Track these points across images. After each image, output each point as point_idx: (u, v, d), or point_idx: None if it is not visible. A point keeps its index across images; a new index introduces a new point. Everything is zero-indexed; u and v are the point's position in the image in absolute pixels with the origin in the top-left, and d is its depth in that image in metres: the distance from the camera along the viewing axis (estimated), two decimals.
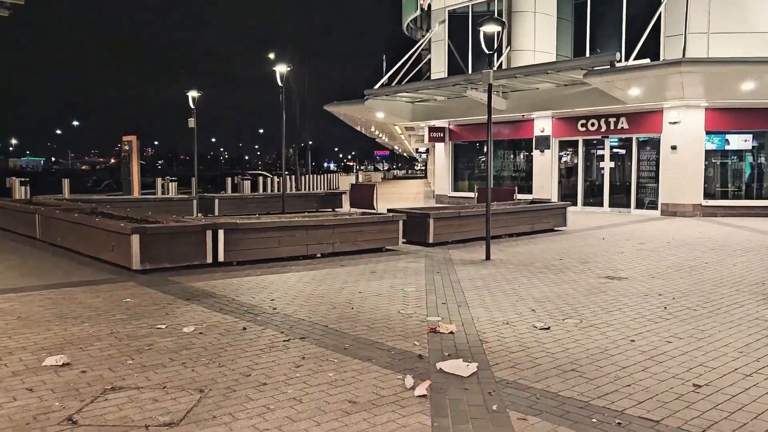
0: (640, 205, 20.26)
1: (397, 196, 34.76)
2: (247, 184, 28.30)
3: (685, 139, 18.73)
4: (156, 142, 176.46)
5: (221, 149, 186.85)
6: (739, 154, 19.26)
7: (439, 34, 25.88)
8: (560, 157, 22.60)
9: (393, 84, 23.90)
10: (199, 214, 19.34)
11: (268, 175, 36.34)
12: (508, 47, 21.31)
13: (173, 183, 25.54)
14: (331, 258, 10.87)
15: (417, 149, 53.37)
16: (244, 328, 5.95)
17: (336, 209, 22.30)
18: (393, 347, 5.37)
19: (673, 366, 4.90)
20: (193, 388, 4.29)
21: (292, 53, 32.87)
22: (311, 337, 5.68)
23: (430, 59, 27.25)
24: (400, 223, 12.00)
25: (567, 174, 22.66)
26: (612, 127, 20.44)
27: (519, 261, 10.72)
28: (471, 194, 24.47)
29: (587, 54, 21.06)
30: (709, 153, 19.01)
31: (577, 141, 21.79)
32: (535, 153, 22.80)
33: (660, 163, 19.52)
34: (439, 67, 25.89)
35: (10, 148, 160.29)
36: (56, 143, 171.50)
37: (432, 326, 6.04)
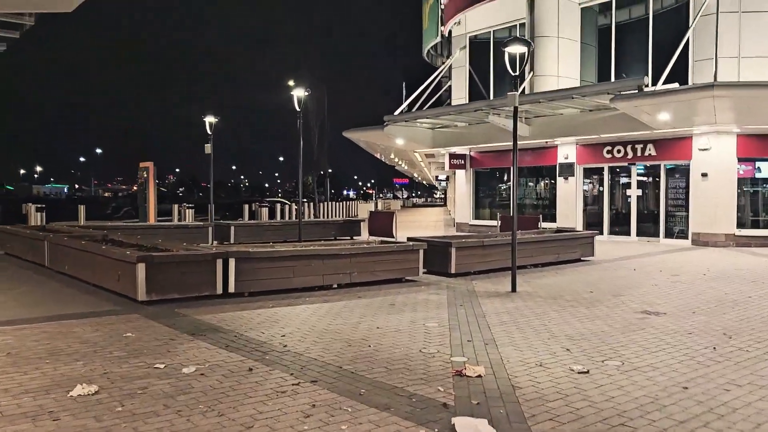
0: (669, 234, 19.49)
1: (417, 223, 34.22)
2: (265, 211, 27.94)
3: (716, 166, 18.03)
4: (177, 170, 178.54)
5: (242, 176, 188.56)
6: None
7: (459, 60, 25.58)
8: (585, 185, 21.96)
9: (413, 110, 23.56)
10: (215, 242, 18.96)
11: (286, 202, 36.06)
12: (531, 72, 20.87)
13: (190, 210, 25.28)
14: (348, 289, 10.32)
15: (437, 177, 52.93)
16: (250, 369, 5.40)
17: (354, 237, 21.80)
18: (414, 393, 4.79)
19: (738, 421, 4.26)
20: None
21: (312, 79, 32.75)
22: (323, 380, 5.12)
23: (450, 86, 26.94)
24: (421, 252, 11.44)
25: (592, 202, 21.99)
26: (639, 153, 19.79)
27: (547, 293, 10.09)
28: (493, 222, 23.85)
29: (612, 79, 20.54)
30: (741, 181, 18.26)
31: (603, 168, 21.15)
32: (559, 180, 22.19)
33: (690, 191, 18.80)
34: (459, 93, 25.53)
35: (35, 175, 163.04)
36: (80, 170, 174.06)
37: (457, 368, 5.44)
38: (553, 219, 22.07)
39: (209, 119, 19.45)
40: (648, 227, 20.17)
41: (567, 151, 21.73)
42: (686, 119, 16.64)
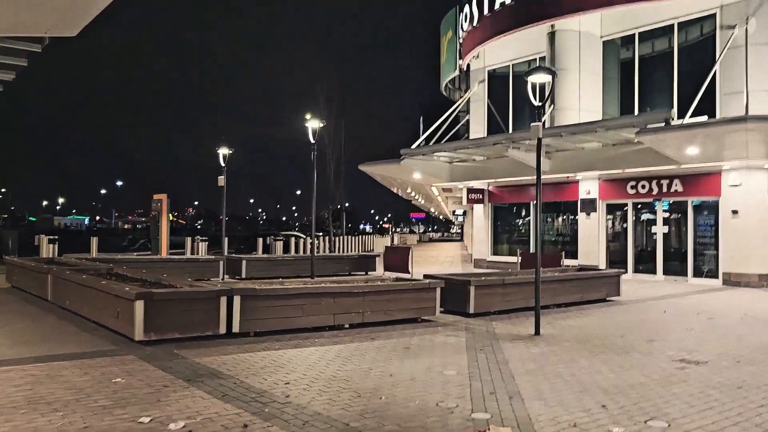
0: (697, 273, 18.65)
1: (433, 259, 33.54)
2: (280, 244, 27.49)
3: (747, 203, 17.28)
4: (196, 202, 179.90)
5: (259, 210, 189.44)
6: None
7: (478, 94, 25.24)
8: (608, 221, 21.25)
9: (430, 144, 23.15)
10: (226, 276, 18.47)
11: (302, 236, 35.62)
12: (552, 106, 20.40)
13: (203, 243, 24.91)
14: (361, 329, 9.71)
15: (454, 211, 52.35)
16: (245, 425, 4.80)
17: (369, 272, 21.20)
18: None
19: None
20: None
21: (329, 111, 32.60)
22: None
23: (467, 120, 26.57)
24: (438, 290, 10.83)
25: (615, 239, 21.24)
26: (665, 189, 19.10)
27: (574, 337, 9.39)
28: (512, 259, 23.14)
29: (635, 113, 19.98)
30: None
31: (626, 204, 20.46)
32: (581, 216, 21.51)
33: (719, 228, 18.02)
34: (477, 127, 25.12)
35: (57, 207, 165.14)
36: (101, 202, 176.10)
37: (480, 429, 4.80)
38: (574, 256, 21.32)
39: (223, 151, 19.15)
40: (675, 266, 19.35)
41: (589, 187, 21.10)
42: (716, 154, 16.00)
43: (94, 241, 22.01)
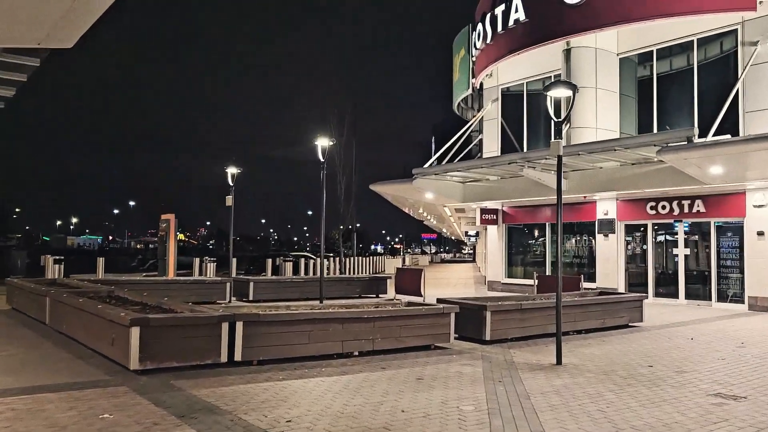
0: (721, 297, 17.92)
1: (446, 281, 32.91)
2: (289, 266, 27.00)
3: None
4: (208, 222, 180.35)
5: (271, 230, 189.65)
6: None
7: (491, 113, 24.81)
8: (627, 243, 20.60)
9: (443, 163, 22.69)
10: (233, 299, 18.01)
11: (312, 257, 35.15)
12: (567, 124, 19.90)
13: (212, 264, 24.47)
14: (371, 357, 9.17)
15: (466, 232, 51.72)
16: None
17: (380, 295, 20.67)
18: None
19: None
20: None
21: (340, 130, 32.35)
22: None
23: (480, 140, 26.11)
24: (452, 315, 10.28)
25: (634, 261, 20.57)
26: (686, 210, 18.47)
27: (598, 367, 8.79)
28: (527, 281, 22.52)
29: (654, 131, 19.42)
30: None
31: (646, 225, 19.82)
32: (599, 237, 20.89)
33: (744, 250, 17.33)
34: (491, 147, 24.65)
35: (71, 227, 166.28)
36: (114, 222, 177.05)
37: None
38: (592, 278, 20.66)
39: (231, 170, 18.79)
40: (697, 289, 18.65)
41: (607, 207, 20.50)
42: (741, 173, 15.39)
43: (101, 261, 21.61)
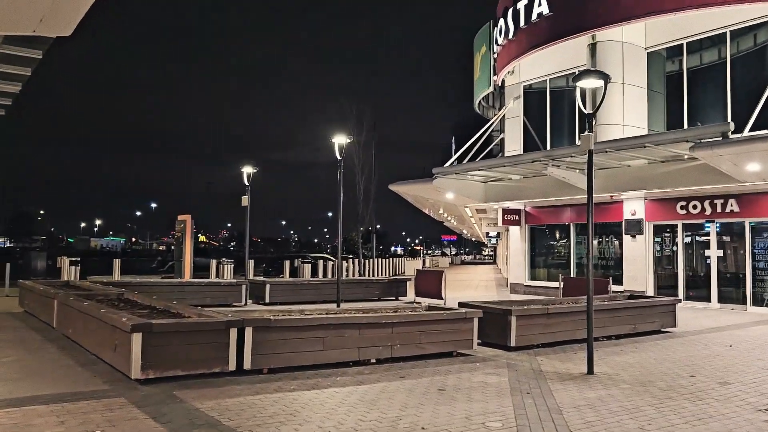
0: (757, 301, 17.09)
1: (466, 283, 32.26)
2: (307, 267, 26.57)
3: None
4: (229, 224, 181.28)
5: (291, 232, 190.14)
6: None
7: (513, 111, 24.15)
8: (655, 244, 19.82)
9: (463, 162, 22.08)
10: (249, 301, 17.60)
11: (331, 258, 34.73)
12: (594, 121, 19.16)
13: (229, 265, 24.10)
14: (389, 365, 8.64)
15: (487, 233, 50.93)
16: None
17: (400, 297, 20.14)
18: None
19: None
20: None
21: (359, 128, 31.88)
22: None
23: (501, 140, 25.47)
24: (475, 321, 9.70)
25: (663, 263, 19.78)
26: (719, 209, 17.67)
27: (633, 377, 8.16)
28: (550, 283, 21.82)
29: (685, 128, 18.64)
30: None
31: (676, 225, 19.02)
32: (626, 239, 20.11)
33: None
34: (513, 145, 23.98)
35: (95, 229, 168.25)
36: (137, 224, 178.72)
37: None
38: (618, 281, 19.89)
39: (247, 170, 18.36)
40: (731, 292, 17.82)
41: (634, 207, 19.73)
42: None
43: (117, 263, 21.33)
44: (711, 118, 18.22)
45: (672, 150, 15.13)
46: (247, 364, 7.64)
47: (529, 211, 23.36)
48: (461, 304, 10.59)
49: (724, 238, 18.18)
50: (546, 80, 23.13)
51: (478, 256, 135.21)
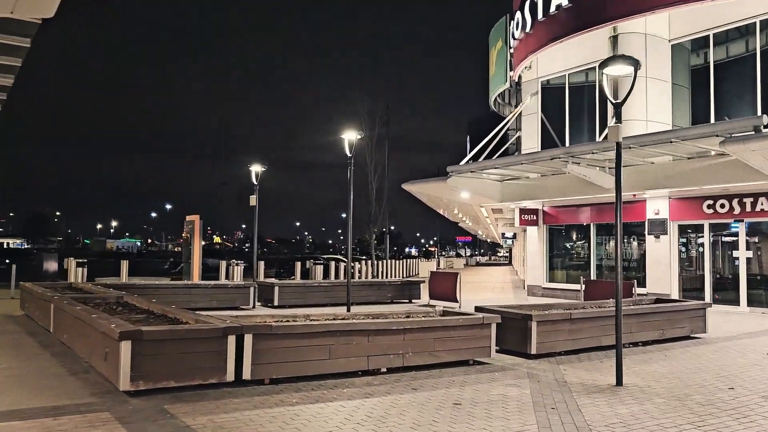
0: None
1: (482, 285, 31.52)
2: (319, 269, 26.00)
3: None
4: (243, 225, 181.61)
5: (305, 233, 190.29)
6: None
7: (530, 108, 23.41)
8: (680, 245, 19.00)
9: (479, 161, 21.40)
10: (258, 304, 17.05)
11: (343, 259, 34.15)
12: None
13: (239, 266, 23.60)
14: (400, 374, 8.02)
15: (503, 234, 50.12)
16: None
17: (413, 300, 19.50)
18: None
19: None
20: None
21: (371, 126, 31.34)
22: None
23: (518, 138, 24.76)
24: (493, 326, 9.07)
25: (689, 264, 18.96)
26: (748, 209, 16.85)
27: (666, 389, 7.48)
28: (570, 286, 21.10)
29: (712, 122, 17.83)
30: None
31: (702, 225, 18.20)
32: (649, 239, 19.32)
33: None
34: (530, 143, 23.25)
35: (111, 230, 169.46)
36: (152, 225, 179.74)
37: None
38: (641, 284, 19.08)
39: (255, 168, 17.83)
40: (761, 296, 16.99)
41: (658, 206, 18.93)
42: None
43: (125, 264, 20.87)
44: (739, 113, 17.39)
45: (700, 146, 14.37)
46: (246, 375, 7.06)
47: (546, 210, 22.63)
48: (478, 309, 9.94)
49: (754, 238, 17.36)
50: (565, 75, 22.37)
51: (493, 258, 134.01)
